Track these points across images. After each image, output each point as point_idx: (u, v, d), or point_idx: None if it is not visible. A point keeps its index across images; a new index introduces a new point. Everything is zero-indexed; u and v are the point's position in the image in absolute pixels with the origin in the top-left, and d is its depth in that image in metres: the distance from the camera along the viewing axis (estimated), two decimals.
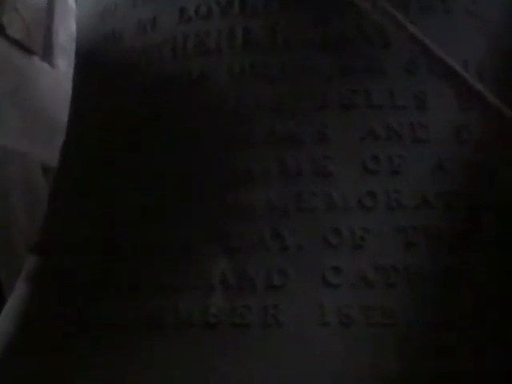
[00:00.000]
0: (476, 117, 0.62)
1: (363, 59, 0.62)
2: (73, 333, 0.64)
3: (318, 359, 0.55)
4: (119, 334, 0.61)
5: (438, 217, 0.59)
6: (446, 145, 0.62)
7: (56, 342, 0.64)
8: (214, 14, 0.66)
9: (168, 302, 0.60)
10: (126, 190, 0.67)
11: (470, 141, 0.62)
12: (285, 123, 0.62)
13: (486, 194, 0.61)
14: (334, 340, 0.56)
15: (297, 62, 0.64)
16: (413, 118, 0.61)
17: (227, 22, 0.65)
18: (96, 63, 0.75)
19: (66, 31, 1.68)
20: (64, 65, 1.68)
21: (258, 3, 0.65)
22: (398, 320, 0.56)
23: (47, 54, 1.57)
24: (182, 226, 0.63)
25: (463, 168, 0.61)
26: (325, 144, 0.60)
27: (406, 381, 0.54)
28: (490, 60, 0.64)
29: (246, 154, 0.62)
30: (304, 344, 0.56)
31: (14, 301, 0.77)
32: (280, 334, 0.56)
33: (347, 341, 0.55)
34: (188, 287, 0.60)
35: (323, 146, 0.60)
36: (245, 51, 0.64)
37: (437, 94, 0.62)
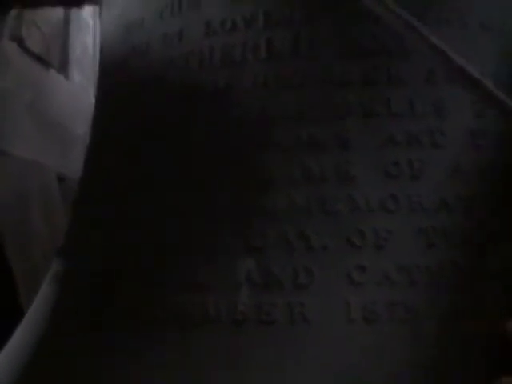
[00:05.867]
0: (491, 122, 0.65)
1: (384, 69, 0.65)
2: (99, 328, 0.66)
3: (345, 355, 0.58)
4: (145, 329, 0.63)
5: (457, 219, 0.61)
6: (463, 149, 0.65)
7: (86, 336, 0.66)
8: (238, 28, 0.69)
9: (195, 299, 0.62)
10: (149, 191, 0.69)
11: (486, 145, 0.65)
12: (308, 130, 0.64)
13: (504, 196, 0.64)
14: (360, 336, 0.58)
15: (319, 71, 0.66)
16: (431, 124, 0.64)
17: (252, 34, 0.68)
18: (122, 74, 0.78)
19: (81, 45, 1.72)
20: (78, 77, 1.72)
21: (281, 15, 0.68)
22: (418, 315, 0.58)
23: (63, 66, 1.60)
24: (207, 225, 0.65)
25: (480, 171, 0.64)
26: (347, 150, 0.63)
27: (433, 369, 0.57)
28: (505, 74, 0.67)
29: (271, 159, 0.65)
30: (330, 340, 0.58)
31: (40, 302, 0.79)
32: (306, 331, 0.59)
33: (372, 336, 0.58)
34: (214, 285, 0.62)
35: (346, 152, 0.63)
36: (269, 62, 0.67)
37: (454, 101, 0.65)
